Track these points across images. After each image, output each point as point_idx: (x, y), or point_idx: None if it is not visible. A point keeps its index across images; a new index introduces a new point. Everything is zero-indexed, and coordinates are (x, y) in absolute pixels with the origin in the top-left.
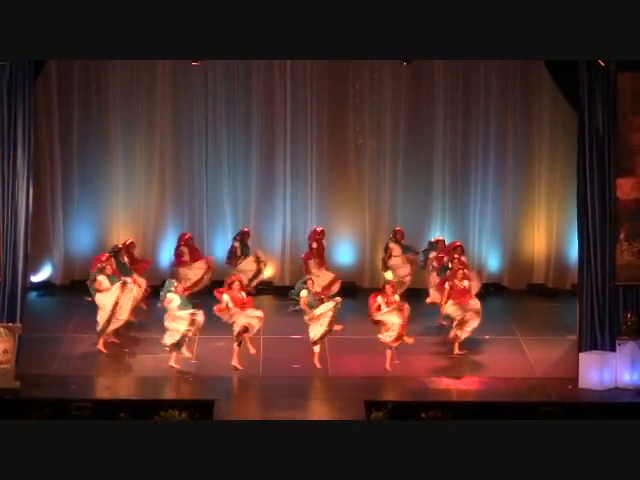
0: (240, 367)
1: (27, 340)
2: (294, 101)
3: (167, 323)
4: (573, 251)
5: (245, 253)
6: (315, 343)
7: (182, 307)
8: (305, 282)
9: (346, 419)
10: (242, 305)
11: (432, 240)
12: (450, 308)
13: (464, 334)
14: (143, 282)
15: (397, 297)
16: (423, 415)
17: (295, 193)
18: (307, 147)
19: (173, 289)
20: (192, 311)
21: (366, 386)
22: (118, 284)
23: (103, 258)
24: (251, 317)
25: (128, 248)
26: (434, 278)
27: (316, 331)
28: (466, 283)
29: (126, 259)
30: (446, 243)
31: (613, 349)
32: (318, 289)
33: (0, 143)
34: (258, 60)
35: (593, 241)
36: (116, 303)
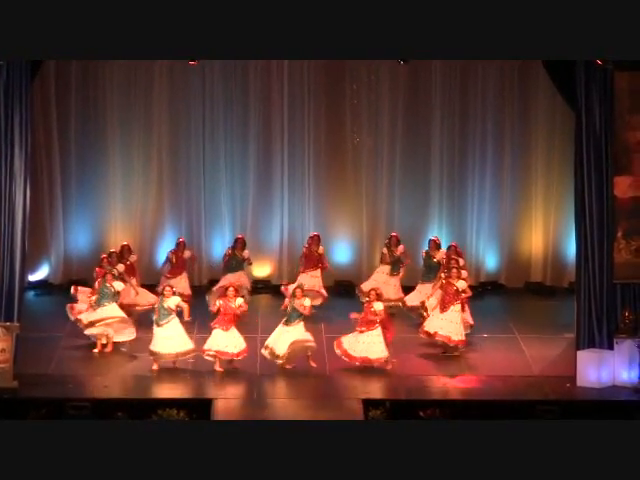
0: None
1: (25, 339)
2: (291, 101)
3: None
4: (571, 249)
5: (235, 266)
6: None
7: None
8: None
9: (344, 418)
10: (232, 317)
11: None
12: (433, 301)
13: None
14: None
15: (380, 306)
16: (421, 414)
17: (292, 192)
18: (304, 147)
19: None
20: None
21: (364, 385)
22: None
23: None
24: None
25: (122, 253)
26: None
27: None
28: (462, 283)
29: (121, 266)
30: (443, 242)
31: (611, 347)
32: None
33: None
34: (255, 60)
35: (591, 239)
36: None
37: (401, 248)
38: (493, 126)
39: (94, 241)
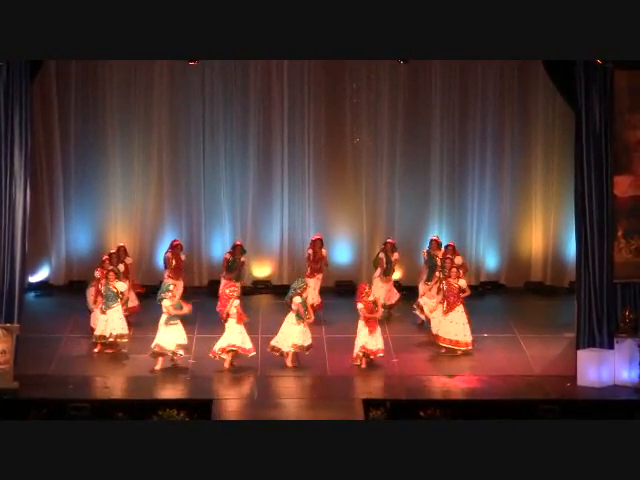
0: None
1: (25, 340)
2: (291, 101)
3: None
4: (571, 249)
5: (232, 270)
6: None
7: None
8: (299, 288)
9: (344, 418)
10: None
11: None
12: (427, 300)
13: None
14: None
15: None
16: (421, 414)
17: (292, 192)
18: (304, 147)
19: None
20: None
21: (364, 385)
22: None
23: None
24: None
25: (119, 255)
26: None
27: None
28: (462, 282)
29: (122, 266)
30: (443, 242)
31: (611, 346)
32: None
33: None
34: (255, 60)
35: (591, 239)
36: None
37: (396, 255)
38: (493, 126)
39: (94, 242)
